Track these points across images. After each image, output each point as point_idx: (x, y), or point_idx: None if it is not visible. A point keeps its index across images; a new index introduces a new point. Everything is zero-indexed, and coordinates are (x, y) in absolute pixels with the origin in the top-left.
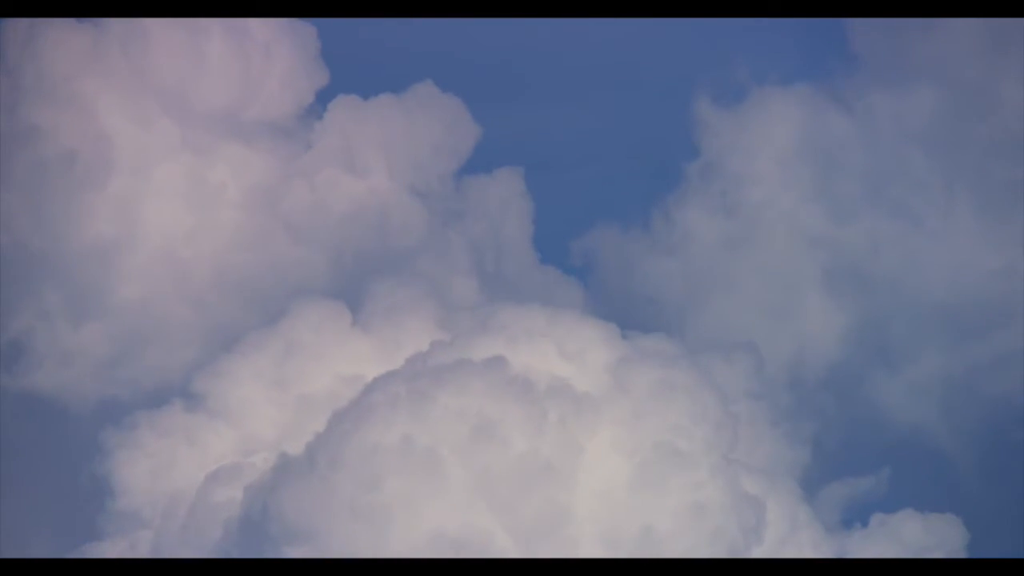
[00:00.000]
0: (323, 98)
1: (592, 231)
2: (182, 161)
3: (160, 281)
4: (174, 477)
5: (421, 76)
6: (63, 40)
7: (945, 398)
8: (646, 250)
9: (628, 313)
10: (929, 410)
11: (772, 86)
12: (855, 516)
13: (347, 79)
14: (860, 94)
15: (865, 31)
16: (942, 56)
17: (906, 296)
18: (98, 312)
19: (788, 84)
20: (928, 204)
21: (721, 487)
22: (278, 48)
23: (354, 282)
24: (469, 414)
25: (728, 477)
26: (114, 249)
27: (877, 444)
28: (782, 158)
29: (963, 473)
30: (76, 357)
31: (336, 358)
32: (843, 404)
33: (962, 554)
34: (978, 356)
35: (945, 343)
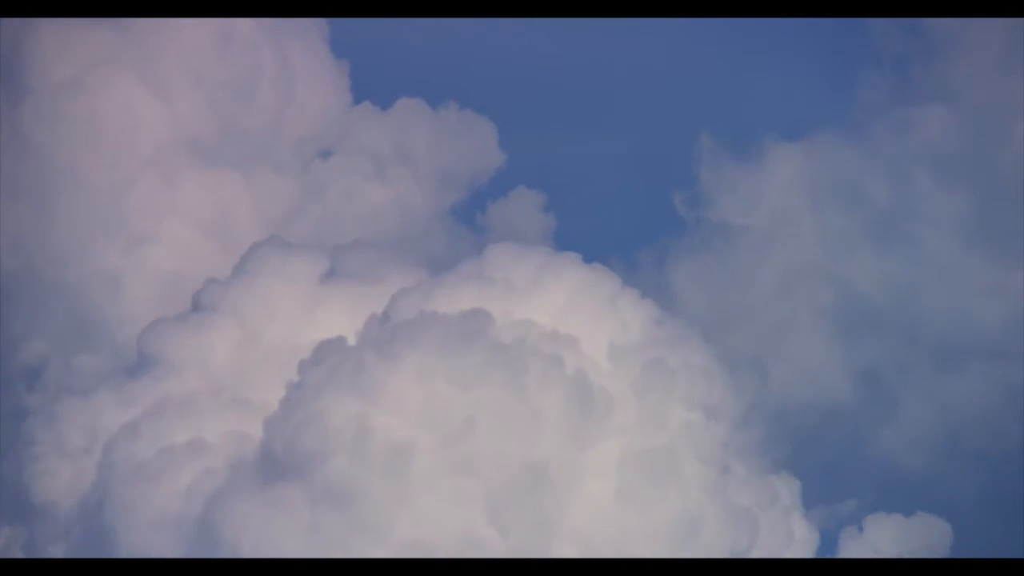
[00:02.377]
0: (347, 117)
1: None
2: (195, 180)
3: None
4: (89, 488)
5: (445, 96)
6: (70, 49)
7: (941, 438)
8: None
9: None
10: (923, 450)
11: (783, 127)
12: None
13: (371, 95)
14: (868, 135)
15: (874, 70)
16: (950, 91)
17: (908, 335)
18: (103, 343)
19: (798, 125)
20: (935, 245)
21: (716, 502)
22: (300, 64)
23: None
24: (445, 402)
25: (724, 492)
26: (122, 276)
27: (868, 478)
28: (790, 201)
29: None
30: (76, 385)
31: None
32: (838, 438)
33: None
34: (977, 396)
35: (945, 382)
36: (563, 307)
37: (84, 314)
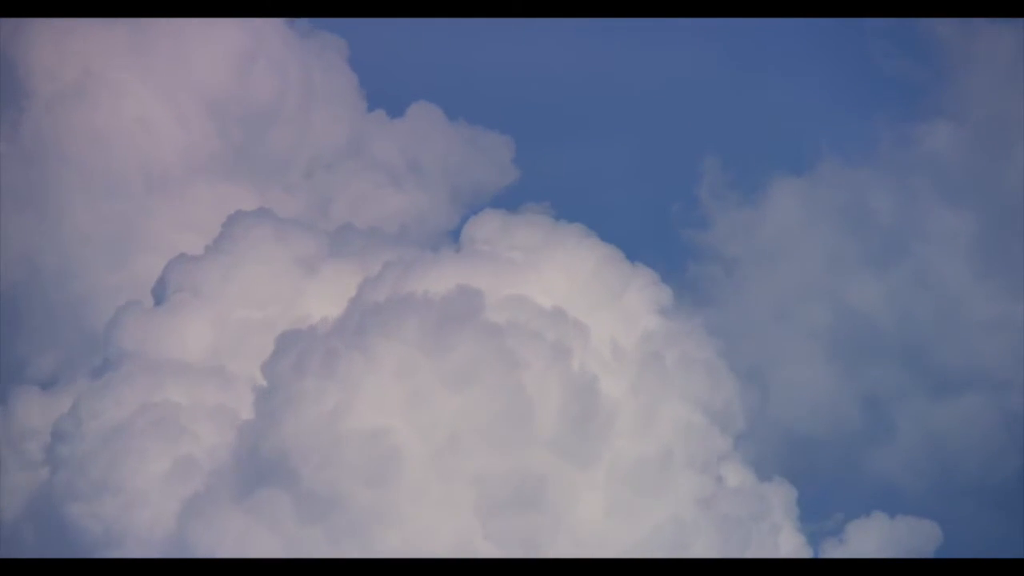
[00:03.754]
0: (360, 127)
1: None
2: (205, 192)
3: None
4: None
5: (459, 110)
6: (75, 53)
7: (937, 464)
8: None
9: None
10: (918, 475)
11: (788, 154)
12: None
13: (385, 104)
14: (873, 159)
15: (881, 92)
16: (957, 112)
17: (909, 360)
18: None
19: (804, 152)
20: (940, 270)
21: (709, 514)
22: (317, 76)
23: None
24: (429, 407)
25: (716, 503)
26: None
27: (862, 500)
28: (793, 230)
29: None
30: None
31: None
32: (833, 459)
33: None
34: (974, 424)
35: (943, 409)
36: (566, 288)
37: (90, 330)
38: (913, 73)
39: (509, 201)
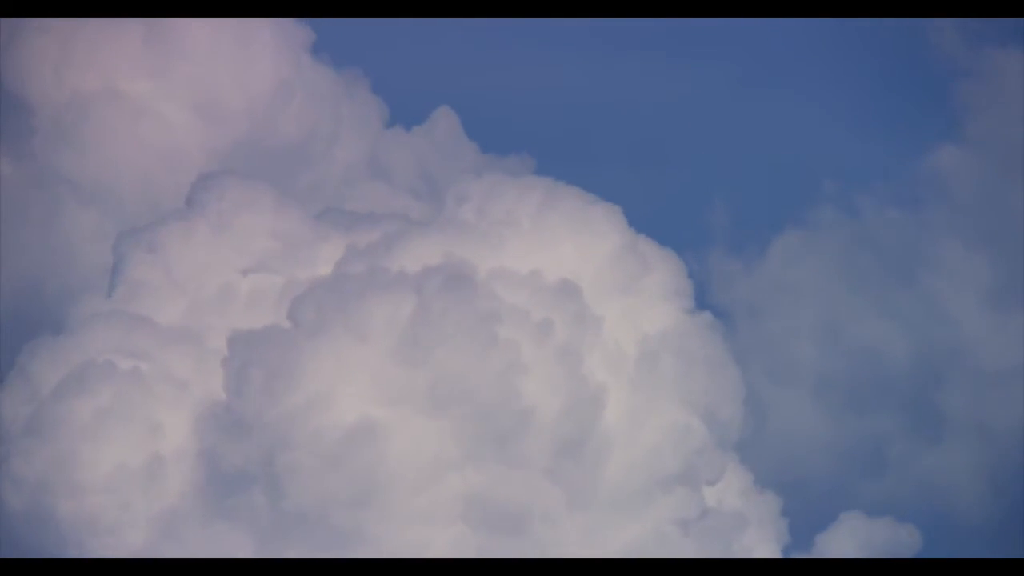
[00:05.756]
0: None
1: None
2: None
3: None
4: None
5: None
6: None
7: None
8: None
9: None
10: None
11: (796, 205)
12: None
13: (403, 119)
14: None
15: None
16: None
17: (911, 402)
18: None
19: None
20: (952, 311)
21: (691, 531)
22: (344, 110)
23: None
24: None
25: (700, 520)
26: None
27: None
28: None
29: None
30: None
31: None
32: (822, 489)
33: None
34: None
35: (938, 451)
36: (574, 268)
37: None
38: (920, 102)
39: None
